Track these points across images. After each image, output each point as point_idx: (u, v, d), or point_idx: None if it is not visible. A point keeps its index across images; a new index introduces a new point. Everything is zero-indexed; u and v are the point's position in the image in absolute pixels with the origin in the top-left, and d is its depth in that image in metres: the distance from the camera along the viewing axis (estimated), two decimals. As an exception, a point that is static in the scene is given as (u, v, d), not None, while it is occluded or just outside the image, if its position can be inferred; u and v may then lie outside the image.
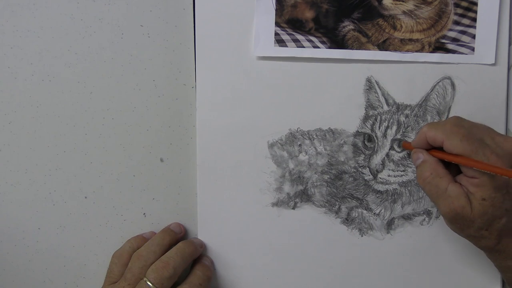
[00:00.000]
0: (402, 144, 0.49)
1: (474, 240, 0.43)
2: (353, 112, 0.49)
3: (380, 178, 0.50)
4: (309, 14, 0.48)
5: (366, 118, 0.49)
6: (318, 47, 0.48)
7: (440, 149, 0.43)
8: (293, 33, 0.48)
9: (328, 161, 0.50)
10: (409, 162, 0.50)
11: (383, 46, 0.48)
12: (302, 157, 0.50)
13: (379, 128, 0.49)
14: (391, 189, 0.50)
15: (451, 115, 0.49)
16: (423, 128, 0.44)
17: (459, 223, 0.41)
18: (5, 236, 0.51)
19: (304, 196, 0.50)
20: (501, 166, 0.39)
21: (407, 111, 0.49)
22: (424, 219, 0.51)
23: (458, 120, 0.43)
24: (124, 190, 0.50)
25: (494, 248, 0.42)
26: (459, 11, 0.48)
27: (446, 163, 0.43)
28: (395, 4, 0.48)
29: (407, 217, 0.51)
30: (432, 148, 0.44)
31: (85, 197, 0.50)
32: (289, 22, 0.48)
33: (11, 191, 0.50)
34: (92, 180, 0.50)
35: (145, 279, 0.44)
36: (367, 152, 0.50)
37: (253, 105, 0.49)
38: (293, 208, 0.50)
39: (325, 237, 0.51)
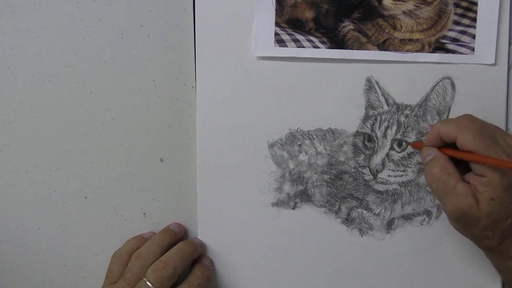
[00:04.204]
0: (412, 145, 0.49)
1: (477, 239, 0.42)
2: (353, 112, 0.49)
3: (380, 178, 0.50)
4: (309, 14, 0.48)
5: (366, 118, 0.49)
6: (318, 47, 0.48)
7: (452, 146, 0.42)
8: (293, 33, 0.48)
9: (328, 161, 0.50)
10: (409, 162, 0.50)
11: (383, 46, 0.48)
12: (302, 157, 0.50)
13: (379, 128, 0.49)
14: (391, 189, 0.50)
15: (451, 115, 0.49)
16: (436, 124, 0.43)
17: (464, 222, 0.41)
18: (5, 236, 0.51)
19: (304, 196, 0.50)
20: None
21: (407, 111, 0.49)
22: (424, 219, 0.51)
23: (471, 117, 0.43)
24: (124, 190, 0.50)
25: (496, 248, 0.42)
26: (459, 11, 0.48)
27: (454, 162, 0.43)
28: (395, 4, 0.48)
29: (407, 217, 0.51)
30: (442, 147, 0.44)
31: (85, 197, 0.50)
32: (289, 22, 0.48)
33: (11, 191, 0.50)
34: (92, 180, 0.50)
35: (144, 279, 0.44)
36: (367, 152, 0.50)
37: (253, 105, 0.49)
38: (293, 208, 0.50)
39: (325, 237, 0.51)
